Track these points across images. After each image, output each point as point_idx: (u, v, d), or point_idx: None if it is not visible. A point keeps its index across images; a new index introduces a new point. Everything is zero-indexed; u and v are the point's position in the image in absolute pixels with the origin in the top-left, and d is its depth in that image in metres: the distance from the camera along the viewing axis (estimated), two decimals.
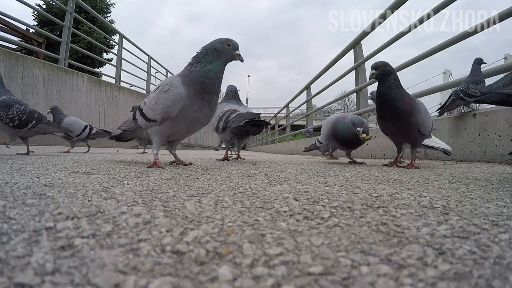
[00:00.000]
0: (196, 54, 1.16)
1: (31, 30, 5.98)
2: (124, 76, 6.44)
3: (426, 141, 1.84)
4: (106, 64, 9.54)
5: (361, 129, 1.58)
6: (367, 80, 1.40)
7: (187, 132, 1.26)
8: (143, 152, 3.15)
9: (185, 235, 0.31)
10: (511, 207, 0.49)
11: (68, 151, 2.33)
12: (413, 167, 1.42)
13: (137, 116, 1.23)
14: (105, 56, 11.59)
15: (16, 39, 5.57)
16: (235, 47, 1.16)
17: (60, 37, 4.58)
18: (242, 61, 1.18)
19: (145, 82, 7.58)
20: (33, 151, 1.90)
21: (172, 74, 10.43)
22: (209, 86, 1.11)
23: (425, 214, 0.43)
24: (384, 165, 1.61)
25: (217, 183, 0.71)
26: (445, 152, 1.97)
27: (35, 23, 10.11)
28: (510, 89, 0.98)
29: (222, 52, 1.13)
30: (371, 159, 2.81)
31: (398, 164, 1.57)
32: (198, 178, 0.80)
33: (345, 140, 1.71)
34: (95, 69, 10.05)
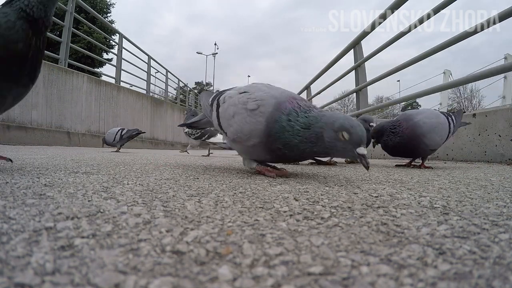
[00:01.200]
0: (305, 124, 0.78)
1: None
2: (124, 76, 6.43)
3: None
4: (106, 64, 9.54)
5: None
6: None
7: None
8: (185, 151, 3.07)
9: (185, 235, 0.31)
10: (511, 207, 0.49)
11: None
12: (424, 168, 1.42)
13: (210, 113, 1.03)
14: (105, 56, 11.60)
15: None
16: (357, 142, 0.73)
17: (60, 37, 4.57)
18: (366, 167, 0.73)
19: (145, 82, 7.58)
20: None
21: (172, 74, 10.33)
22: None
23: (425, 214, 0.43)
24: (397, 165, 1.60)
25: (217, 183, 0.71)
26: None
27: None
28: None
29: (334, 147, 0.76)
30: (371, 158, 2.81)
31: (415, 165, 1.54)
32: (198, 178, 0.80)
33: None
34: (95, 69, 10.04)
